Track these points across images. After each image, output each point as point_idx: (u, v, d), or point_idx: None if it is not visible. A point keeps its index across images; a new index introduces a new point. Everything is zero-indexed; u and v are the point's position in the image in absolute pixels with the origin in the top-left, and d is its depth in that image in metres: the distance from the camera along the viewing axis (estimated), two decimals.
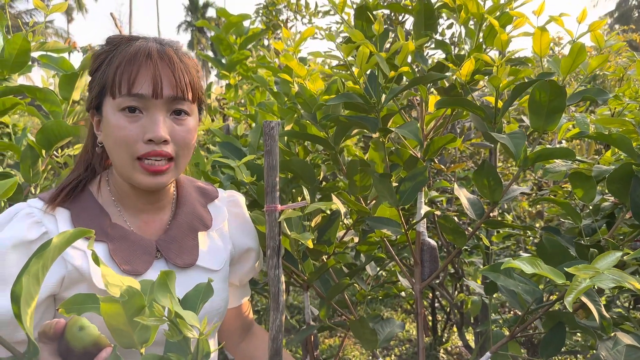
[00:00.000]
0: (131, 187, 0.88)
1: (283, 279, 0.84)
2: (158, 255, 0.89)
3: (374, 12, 1.13)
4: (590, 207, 1.24)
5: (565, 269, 0.69)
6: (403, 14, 1.53)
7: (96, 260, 0.46)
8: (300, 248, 1.04)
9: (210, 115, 2.24)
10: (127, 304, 0.46)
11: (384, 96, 1.05)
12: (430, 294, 2.93)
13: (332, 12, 2.77)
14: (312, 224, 1.12)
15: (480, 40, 1.08)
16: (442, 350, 3.12)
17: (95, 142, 0.91)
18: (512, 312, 2.72)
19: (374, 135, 1.10)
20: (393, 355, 3.29)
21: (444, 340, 3.18)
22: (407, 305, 3.87)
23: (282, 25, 2.71)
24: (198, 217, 0.95)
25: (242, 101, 2.14)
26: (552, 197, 1.21)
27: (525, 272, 0.70)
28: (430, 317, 3.14)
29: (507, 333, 1.45)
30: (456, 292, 2.44)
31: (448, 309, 3.10)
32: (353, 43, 1.03)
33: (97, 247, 0.84)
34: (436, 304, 3.14)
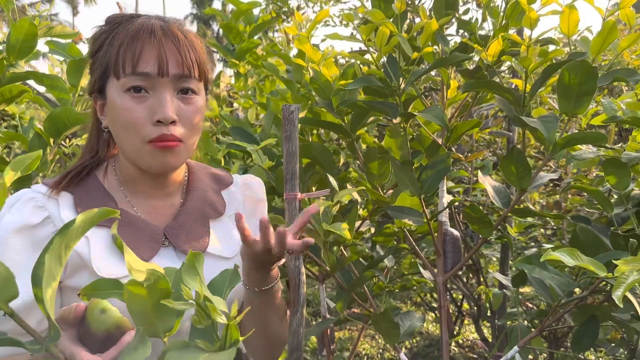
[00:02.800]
0: (139, 171, 0.85)
1: (304, 270, 0.80)
2: (166, 243, 0.85)
3: None
4: (615, 197, 1.19)
5: (613, 261, 0.65)
6: None
7: (120, 245, 0.42)
8: (328, 238, 1.00)
9: (220, 105, 2.20)
10: (152, 288, 0.43)
11: (402, 80, 1.00)
12: None
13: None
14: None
15: (504, 20, 1.02)
16: (453, 343, 3.08)
17: (99, 128, 0.87)
18: (525, 305, 2.67)
19: (394, 121, 1.06)
20: (404, 348, 3.26)
21: (455, 333, 3.14)
22: (417, 298, 3.82)
23: (292, 12, 2.65)
24: (209, 203, 0.91)
25: (250, 92, 2.10)
26: (580, 184, 1.16)
27: (566, 264, 0.66)
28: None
29: (526, 324, 1.41)
30: (469, 284, 2.40)
31: (459, 302, 3.06)
32: (371, 24, 0.98)
33: (100, 232, 0.80)
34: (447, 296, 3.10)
